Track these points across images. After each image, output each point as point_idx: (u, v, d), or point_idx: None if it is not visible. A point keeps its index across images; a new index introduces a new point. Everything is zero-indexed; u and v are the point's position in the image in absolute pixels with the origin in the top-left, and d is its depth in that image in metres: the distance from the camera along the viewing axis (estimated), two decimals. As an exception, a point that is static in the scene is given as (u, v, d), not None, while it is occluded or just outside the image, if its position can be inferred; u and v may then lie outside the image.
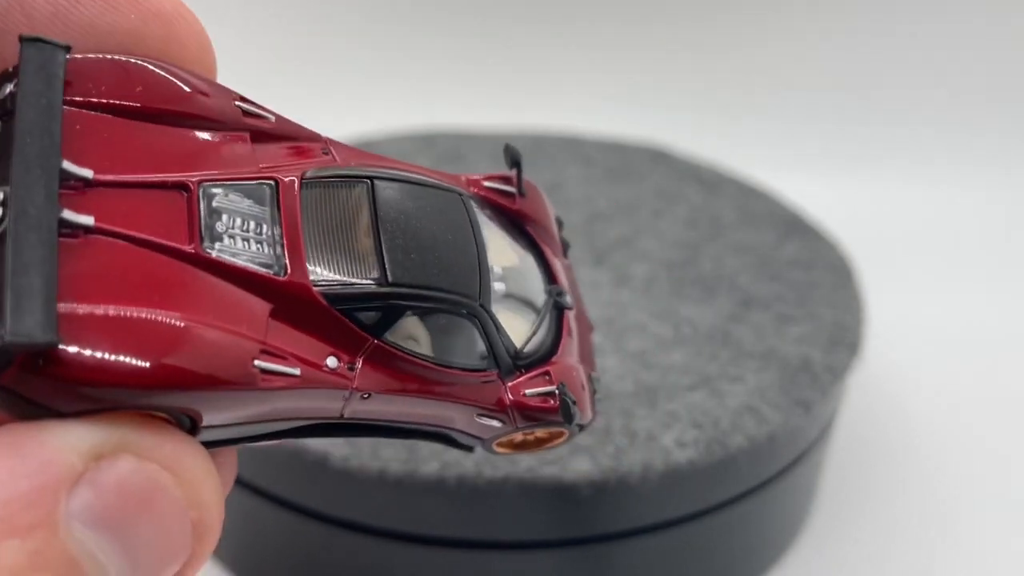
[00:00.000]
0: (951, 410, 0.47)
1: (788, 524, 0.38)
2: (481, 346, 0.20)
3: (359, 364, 0.18)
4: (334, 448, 0.30)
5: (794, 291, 0.39)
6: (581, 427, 0.22)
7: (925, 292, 0.55)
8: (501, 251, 0.22)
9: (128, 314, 0.15)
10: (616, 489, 0.31)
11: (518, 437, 0.22)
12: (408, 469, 0.30)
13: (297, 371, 0.17)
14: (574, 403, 0.21)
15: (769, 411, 0.33)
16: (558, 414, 0.21)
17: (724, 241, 0.42)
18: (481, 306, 0.20)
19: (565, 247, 0.25)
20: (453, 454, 0.30)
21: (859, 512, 0.41)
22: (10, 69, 0.17)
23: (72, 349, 0.14)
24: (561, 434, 0.23)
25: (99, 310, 0.15)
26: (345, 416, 0.19)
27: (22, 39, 0.16)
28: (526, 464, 0.30)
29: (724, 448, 0.32)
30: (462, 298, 0.20)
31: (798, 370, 0.35)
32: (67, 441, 0.15)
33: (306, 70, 0.67)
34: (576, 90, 0.67)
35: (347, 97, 0.65)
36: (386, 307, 0.18)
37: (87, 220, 0.15)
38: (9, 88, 0.16)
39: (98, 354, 0.14)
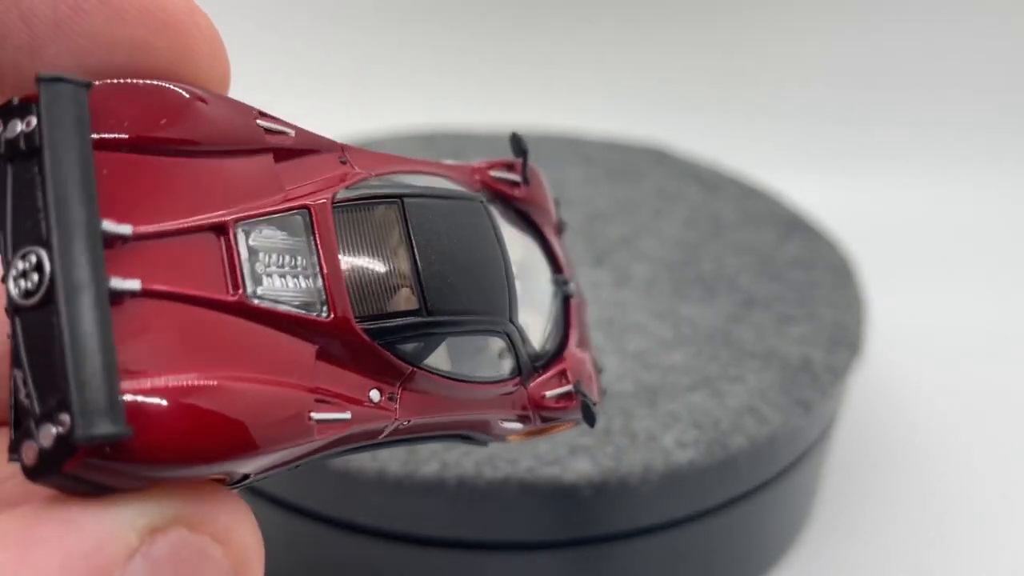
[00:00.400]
0: (952, 410, 0.47)
1: (788, 524, 0.38)
2: (495, 352, 0.20)
3: (399, 393, 0.18)
4: (334, 448, 0.30)
5: (794, 291, 0.39)
6: None
7: (925, 292, 0.55)
8: (511, 247, 0.22)
9: (187, 383, 0.14)
10: (616, 489, 0.31)
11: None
12: (407, 470, 0.30)
13: (348, 415, 0.17)
14: (594, 404, 0.22)
15: (769, 411, 0.33)
16: (578, 413, 0.22)
17: (724, 241, 0.42)
18: (511, 322, 0.20)
19: (561, 227, 0.25)
20: (453, 455, 0.30)
21: (859, 512, 0.41)
22: (15, 102, 0.15)
23: (140, 435, 0.14)
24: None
25: (159, 383, 0.14)
26: (379, 440, 0.18)
27: (40, 79, 0.15)
28: (526, 464, 0.30)
29: (724, 448, 0.32)
30: (496, 318, 0.20)
31: (798, 370, 0.35)
32: (125, 518, 0.14)
33: (307, 70, 0.67)
34: (576, 90, 0.67)
35: (349, 97, 0.65)
36: (427, 336, 0.18)
37: (134, 285, 0.15)
38: (21, 127, 0.15)
39: (164, 436, 0.14)
